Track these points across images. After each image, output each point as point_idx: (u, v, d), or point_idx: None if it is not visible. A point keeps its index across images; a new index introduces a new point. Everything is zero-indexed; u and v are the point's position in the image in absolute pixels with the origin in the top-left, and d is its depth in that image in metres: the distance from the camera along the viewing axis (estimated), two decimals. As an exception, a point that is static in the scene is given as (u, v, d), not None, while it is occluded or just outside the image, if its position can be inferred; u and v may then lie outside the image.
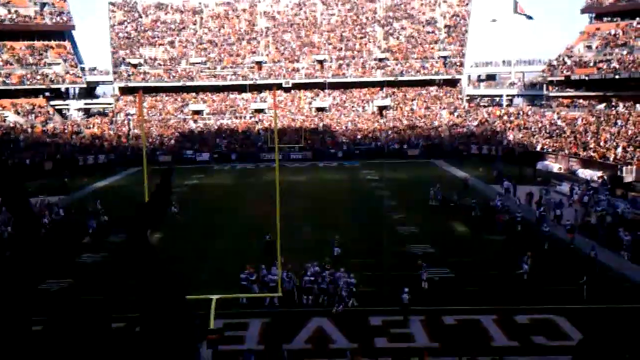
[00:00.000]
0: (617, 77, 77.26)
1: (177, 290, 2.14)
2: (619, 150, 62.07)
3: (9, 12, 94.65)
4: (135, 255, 2.11)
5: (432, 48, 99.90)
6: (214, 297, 25.50)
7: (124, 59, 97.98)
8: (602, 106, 78.26)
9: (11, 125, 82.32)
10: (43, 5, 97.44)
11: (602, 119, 72.94)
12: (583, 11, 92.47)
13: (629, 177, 55.77)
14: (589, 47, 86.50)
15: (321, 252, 34.42)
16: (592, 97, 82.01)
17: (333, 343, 24.55)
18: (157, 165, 73.34)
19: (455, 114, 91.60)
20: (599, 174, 58.58)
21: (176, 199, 50.48)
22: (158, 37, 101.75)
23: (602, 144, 66.00)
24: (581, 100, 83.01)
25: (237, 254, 35.66)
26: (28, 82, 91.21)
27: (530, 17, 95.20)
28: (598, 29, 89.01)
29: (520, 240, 37.89)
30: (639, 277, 30.98)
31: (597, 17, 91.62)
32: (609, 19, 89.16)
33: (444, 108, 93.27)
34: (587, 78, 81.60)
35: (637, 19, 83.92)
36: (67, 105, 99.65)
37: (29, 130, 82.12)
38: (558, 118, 78.89)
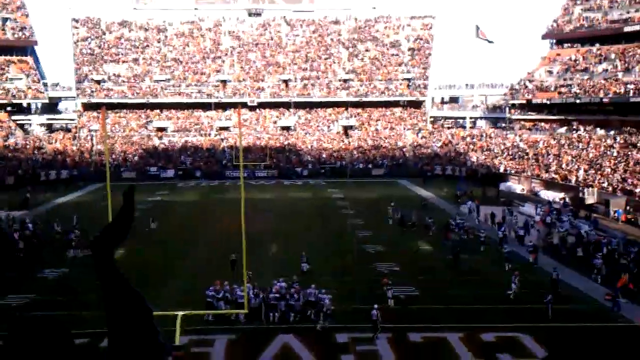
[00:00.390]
0: (577, 101, 78.55)
1: (141, 308, 2.13)
2: (581, 172, 63.00)
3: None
4: (101, 274, 2.11)
5: (396, 70, 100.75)
6: (180, 313, 25.24)
7: (87, 75, 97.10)
8: (563, 129, 79.51)
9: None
10: (5, 20, 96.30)
11: (563, 142, 74.04)
12: (544, 37, 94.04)
13: (590, 199, 56.61)
14: (550, 72, 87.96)
15: (289, 268, 34.38)
16: (553, 120, 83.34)
17: (300, 360, 24.45)
18: (121, 182, 72.72)
19: (419, 134, 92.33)
20: (561, 195, 59.41)
21: (152, 215, 49.99)
22: (122, 54, 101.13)
23: (563, 166, 66.96)
24: (543, 124, 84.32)
25: (203, 271, 35.41)
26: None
27: (491, 42, 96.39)
28: (559, 54, 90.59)
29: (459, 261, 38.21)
30: (601, 297, 31.32)
31: (557, 43, 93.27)
32: (570, 45, 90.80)
33: (409, 129, 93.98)
34: (548, 102, 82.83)
35: (597, 45, 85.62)
36: (29, 120, 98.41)
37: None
38: (520, 140, 79.94)
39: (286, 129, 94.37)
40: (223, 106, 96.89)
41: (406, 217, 48.83)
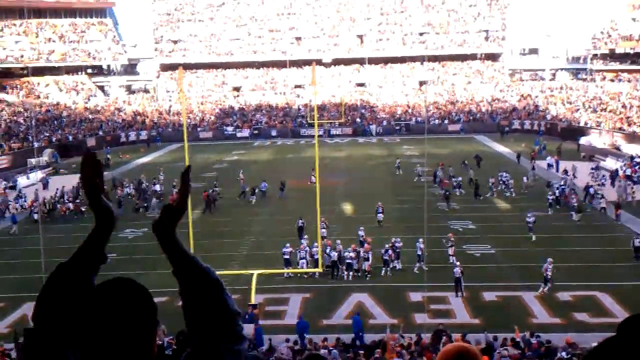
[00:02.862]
0: (663, 50, 75.54)
1: (208, 282, 2.10)
2: (666, 124, 60.84)
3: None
4: (167, 253, 2.10)
5: (473, 21, 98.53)
6: (255, 272, 25.71)
7: (164, 35, 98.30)
8: (647, 80, 76.69)
9: (54, 102, 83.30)
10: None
11: (647, 93, 71.49)
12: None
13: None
14: (635, 20, 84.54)
15: (364, 221, 34.46)
16: (637, 71, 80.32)
17: (373, 318, 24.62)
18: (198, 142, 73.98)
19: (497, 88, 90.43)
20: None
21: (217, 179, 50.61)
22: (198, 13, 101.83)
23: (647, 118, 64.71)
24: (626, 74, 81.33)
25: (277, 231, 35.87)
26: (70, 59, 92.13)
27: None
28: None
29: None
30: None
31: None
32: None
33: (486, 82, 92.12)
34: (632, 51, 79.86)
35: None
36: (108, 82, 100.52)
37: (72, 107, 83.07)
38: (602, 92, 77.46)
39: (361, 85, 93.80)
40: (298, 63, 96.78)
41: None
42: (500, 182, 45.88)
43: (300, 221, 33.92)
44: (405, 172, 51.75)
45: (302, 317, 23.26)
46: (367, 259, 29.07)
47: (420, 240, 28.94)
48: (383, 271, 29.08)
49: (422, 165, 49.35)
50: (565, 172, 49.71)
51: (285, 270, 28.54)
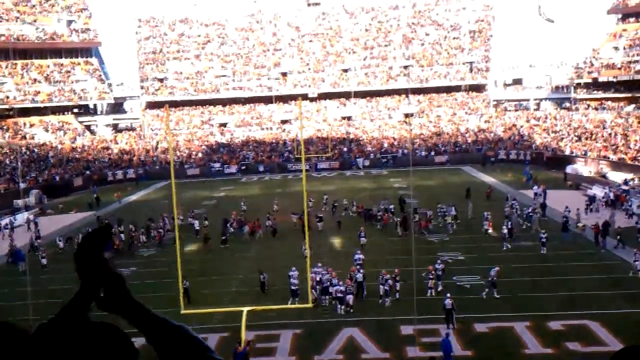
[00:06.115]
0: (645, 77, 76.44)
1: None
2: (650, 151, 61.33)
3: (37, 30, 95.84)
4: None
5: (457, 54, 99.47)
6: (245, 309, 25.53)
7: (150, 74, 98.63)
8: (631, 108, 77.42)
9: (40, 142, 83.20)
10: (69, 22, 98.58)
11: (631, 120, 72.09)
12: (609, 12, 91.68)
13: (661, 179, 55.02)
14: (616, 49, 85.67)
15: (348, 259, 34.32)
16: (620, 99, 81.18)
17: (366, 353, 24.48)
18: (186, 179, 73.89)
19: (482, 119, 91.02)
20: (630, 176, 57.79)
21: (205, 213, 50.65)
22: (184, 52, 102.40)
23: (632, 145, 65.18)
24: (609, 102, 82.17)
25: (269, 263, 35.72)
26: (56, 99, 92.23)
27: (551, 21, 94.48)
28: (625, 30, 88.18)
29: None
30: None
31: (623, 18, 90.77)
32: (636, 19, 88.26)
33: (471, 114, 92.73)
34: (615, 79, 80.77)
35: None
36: (95, 121, 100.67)
37: (58, 147, 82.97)
38: (586, 121, 78.13)
39: (347, 118, 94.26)
40: (284, 99, 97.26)
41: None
42: (439, 215, 46.35)
43: (262, 276, 32.09)
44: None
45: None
46: (351, 292, 29.20)
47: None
48: (387, 302, 29.30)
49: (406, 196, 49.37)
50: (537, 195, 50.75)
51: (275, 307, 28.34)
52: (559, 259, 34.83)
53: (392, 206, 48.32)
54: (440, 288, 30.09)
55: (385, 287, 29.35)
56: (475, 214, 45.98)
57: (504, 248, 37.74)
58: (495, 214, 44.24)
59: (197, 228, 45.90)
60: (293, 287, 29.93)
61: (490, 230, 41.63)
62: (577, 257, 35.33)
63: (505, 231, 38.87)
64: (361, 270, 31.02)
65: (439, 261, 31.54)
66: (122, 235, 44.35)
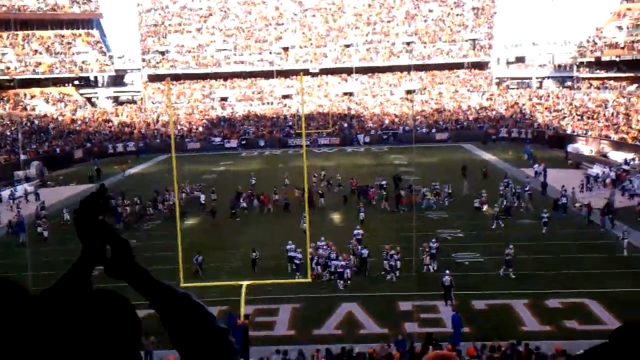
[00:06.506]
0: (649, 57, 76.08)
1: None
2: (652, 131, 61.19)
3: (38, 0, 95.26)
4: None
5: (460, 30, 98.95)
6: (244, 283, 25.62)
7: (151, 46, 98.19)
8: (633, 87, 77.11)
9: (41, 114, 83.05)
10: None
11: (633, 100, 71.83)
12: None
13: (661, 159, 54.95)
14: (620, 28, 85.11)
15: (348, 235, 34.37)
16: (623, 78, 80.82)
17: (364, 328, 24.61)
18: (186, 152, 73.85)
19: (484, 97, 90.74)
20: (631, 156, 57.68)
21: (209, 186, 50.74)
22: (185, 25, 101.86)
23: (634, 125, 65.01)
24: (612, 82, 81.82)
25: (267, 240, 35.81)
26: (57, 71, 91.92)
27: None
28: (629, 9, 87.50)
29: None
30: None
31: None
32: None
33: (473, 91, 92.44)
34: (618, 59, 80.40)
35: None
36: (96, 93, 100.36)
37: (59, 118, 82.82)
38: (589, 100, 77.88)
39: (348, 95, 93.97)
40: (285, 74, 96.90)
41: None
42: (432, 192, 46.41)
43: (254, 254, 31.65)
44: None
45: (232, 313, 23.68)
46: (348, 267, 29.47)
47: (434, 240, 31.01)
48: (393, 277, 29.42)
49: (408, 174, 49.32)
50: (537, 173, 50.99)
51: (274, 281, 28.41)
52: (556, 238, 34.86)
53: (384, 182, 48.35)
54: (435, 266, 30.12)
55: (391, 263, 29.46)
56: (471, 192, 45.99)
57: (493, 226, 37.82)
58: (491, 192, 44.24)
59: (203, 202, 45.91)
60: (297, 262, 30.03)
61: (484, 208, 41.62)
62: (574, 236, 35.41)
63: (497, 209, 38.95)
64: (361, 247, 31.30)
65: (433, 239, 31.48)
66: (128, 208, 44.17)
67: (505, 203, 40.87)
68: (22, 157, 62.86)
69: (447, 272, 26.86)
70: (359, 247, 31.48)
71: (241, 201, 45.32)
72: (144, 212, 43.66)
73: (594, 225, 37.46)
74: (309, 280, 26.49)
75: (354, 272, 30.05)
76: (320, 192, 46.53)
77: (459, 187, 47.43)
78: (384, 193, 45.51)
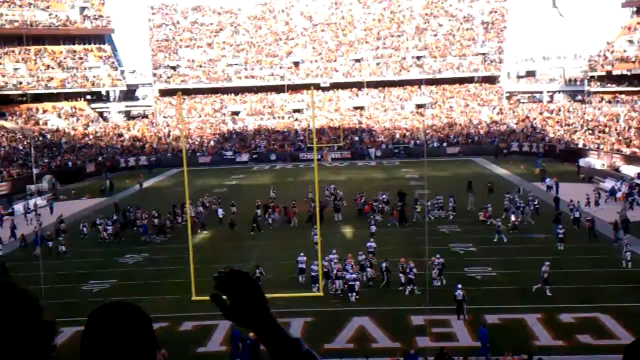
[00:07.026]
0: (660, 71, 76.03)
1: None
2: (664, 145, 60.93)
3: (50, 16, 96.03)
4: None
5: (470, 45, 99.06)
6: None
7: (162, 61, 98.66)
8: (645, 101, 77.04)
9: (53, 128, 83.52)
10: (83, 9, 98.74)
11: (645, 114, 71.64)
12: (624, 5, 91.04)
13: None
14: (631, 42, 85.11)
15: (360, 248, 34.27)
16: (634, 92, 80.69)
17: (375, 342, 24.53)
18: (197, 167, 74.03)
19: (495, 111, 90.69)
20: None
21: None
22: (196, 40, 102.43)
23: (645, 139, 64.81)
24: (623, 96, 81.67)
25: (276, 254, 35.82)
26: (69, 86, 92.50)
27: (561, 15, 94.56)
28: (639, 23, 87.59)
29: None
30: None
31: (638, 11, 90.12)
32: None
33: (484, 105, 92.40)
34: (629, 73, 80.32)
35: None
36: (107, 108, 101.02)
37: (71, 133, 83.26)
38: (600, 114, 77.72)
39: (359, 109, 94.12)
40: (296, 88, 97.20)
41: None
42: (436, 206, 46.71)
43: (257, 271, 30.52)
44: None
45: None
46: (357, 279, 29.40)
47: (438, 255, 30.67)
48: (408, 290, 29.37)
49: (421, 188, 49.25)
50: (549, 188, 51.50)
51: (285, 295, 28.33)
52: (568, 252, 34.70)
53: (384, 195, 48.40)
54: (443, 282, 29.93)
55: (410, 276, 29.37)
56: (477, 206, 45.92)
57: (494, 239, 37.75)
58: (496, 206, 44.20)
59: (221, 216, 45.96)
60: (313, 274, 29.73)
61: (491, 221, 41.29)
62: (585, 250, 35.24)
63: (499, 223, 38.78)
64: (380, 260, 31.27)
65: (437, 255, 31.07)
66: (155, 220, 43.91)
67: (511, 218, 40.88)
68: (35, 171, 63.16)
69: (460, 286, 26.74)
70: (373, 259, 31.47)
71: (267, 216, 45.01)
72: (164, 225, 43.50)
73: (598, 240, 37.19)
74: (321, 294, 26.50)
75: (368, 285, 30.03)
76: (337, 206, 46.45)
77: (463, 201, 47.46)
78: (385, 207, 45.66)
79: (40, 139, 77.71)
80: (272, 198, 51.03)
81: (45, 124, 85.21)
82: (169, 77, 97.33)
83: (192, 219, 44.44)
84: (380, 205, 46.50)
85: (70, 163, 72.68)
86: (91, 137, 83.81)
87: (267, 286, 29.44)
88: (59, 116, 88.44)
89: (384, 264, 30.41)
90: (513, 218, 40.99)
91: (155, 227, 42.71)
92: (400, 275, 29.79)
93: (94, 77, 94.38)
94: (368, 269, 30.73)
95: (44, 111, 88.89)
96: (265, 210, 45.89)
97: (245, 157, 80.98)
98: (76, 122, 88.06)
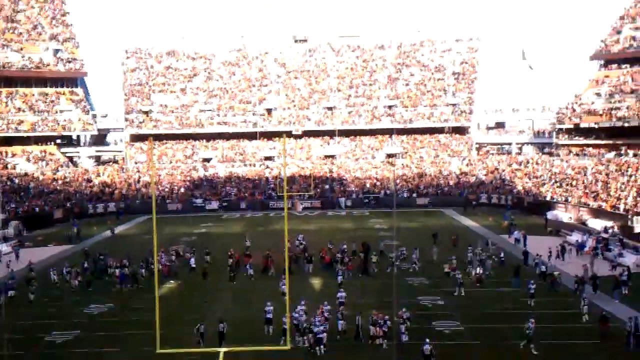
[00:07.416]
0: (626, 125, 77.41)
1: None
2: (630, 199, 61.73)
3: (22, 58, 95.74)
4: None
5: (441, 95, 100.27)
6: (222, 350, 25.33)
7: (135, 106, 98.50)
8: (611, 154, 78.26)
9: (22, 172, 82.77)
10: (56, 51, 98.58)
11: (612, 167, 72.71)
12: (592, 58, 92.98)
13: (639, 227, 55.30)
14: (598, 95, 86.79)
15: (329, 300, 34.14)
16: (601, 145, 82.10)
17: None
18: (167, 214, 73.57)
19: (465, 162, 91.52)
20: (610, 224, 58.11)
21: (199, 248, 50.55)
22: (170, 84, 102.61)
23: (612, 193, 65.66)
24: (591, 149, 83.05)
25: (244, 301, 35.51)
26: (40, 129, 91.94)
27: (531, 68, 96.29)
28: (607, 76, 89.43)
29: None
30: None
31: (605, 64, 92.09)
32: (618, 66, 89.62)
33: (453, 156, 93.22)
34: (596, 126, 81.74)
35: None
36: (78, 152, 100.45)
37: (40, 177, 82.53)
38: (567, 167, 78.75)
39: (330, 157, 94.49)
40: (268, 135, 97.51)
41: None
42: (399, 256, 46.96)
43: (221, 325, 29.36)
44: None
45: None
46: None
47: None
48: (384, 343, 29.18)
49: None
50: (517, 240, 52.43)
51: (254, 348, 28.02)
52: (537, 306, 34.77)
53: (344, 246, 48.33)
54: (406, 337, 29.63)
55: (384, 328, 29.25)
56: (440, 258, 46.18)
57: (455, 293, 37.89)
58: (460, 259, 44.35)
59: (193, 265, 45.59)
60: (285, 326, 29.07)
61: (454, 274, 41.32)
62: (553, 304, 35.33)
63: (460, 276, 38.93)
64: (354, 312, 31.12)
65: (403, 309, 31.02)
66: (126, 269, 42.99)
67: (475, 271, 41.16)
68: (1, 216, 62.37)
69: (427, 340, 26.69)
70: (345, 311, 31.38)
71: (247, 266, 44.45)
72: (136, 273, 42.95)
73: (558, 294, 37.34)
74: (288, 347, 26.24)
75: (336, 339, 29.78)
76: (308, 256, 46.20)
77: (428, 252, 47.74)
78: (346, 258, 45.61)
79: (9, 183, 76.96)
80: (247, 247, 50.76)
81: (14, 167, 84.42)
82: (141, 122, 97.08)
83: (166, 267, 44.25)
84: (340, 256, 46.16)
85: (37, 209, 71.83)
86: (60, 182, 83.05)
87: (234, 340, 29.08)
88: (28, 160, 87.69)
89: (357, 317, 30.24)
90: (474, 272, 41.25)
91: (127, 276, 42.18)
92: (371, 327, 29.65)
93: (65, 120, 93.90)
94: (340, 322, 30.46)
95: (13, 155, 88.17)
96: (246, 259, 45.54)
97: (215, 204, 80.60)
98: (45, 166, 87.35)
